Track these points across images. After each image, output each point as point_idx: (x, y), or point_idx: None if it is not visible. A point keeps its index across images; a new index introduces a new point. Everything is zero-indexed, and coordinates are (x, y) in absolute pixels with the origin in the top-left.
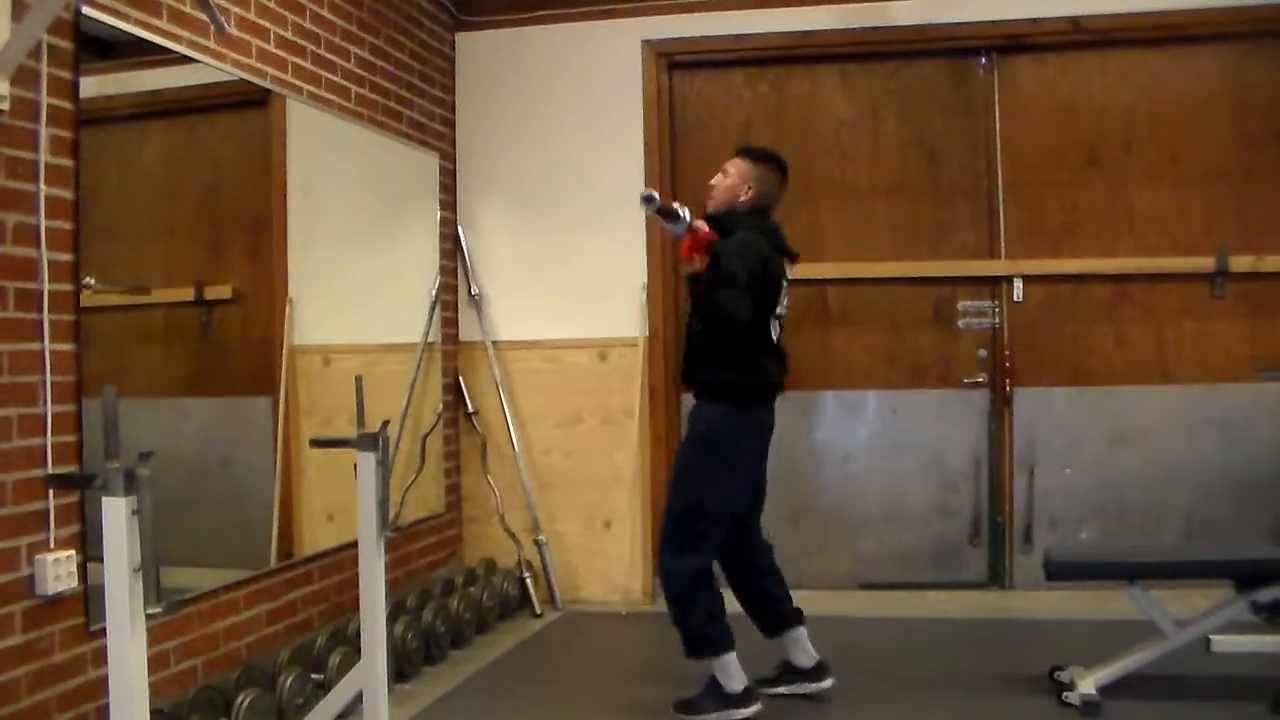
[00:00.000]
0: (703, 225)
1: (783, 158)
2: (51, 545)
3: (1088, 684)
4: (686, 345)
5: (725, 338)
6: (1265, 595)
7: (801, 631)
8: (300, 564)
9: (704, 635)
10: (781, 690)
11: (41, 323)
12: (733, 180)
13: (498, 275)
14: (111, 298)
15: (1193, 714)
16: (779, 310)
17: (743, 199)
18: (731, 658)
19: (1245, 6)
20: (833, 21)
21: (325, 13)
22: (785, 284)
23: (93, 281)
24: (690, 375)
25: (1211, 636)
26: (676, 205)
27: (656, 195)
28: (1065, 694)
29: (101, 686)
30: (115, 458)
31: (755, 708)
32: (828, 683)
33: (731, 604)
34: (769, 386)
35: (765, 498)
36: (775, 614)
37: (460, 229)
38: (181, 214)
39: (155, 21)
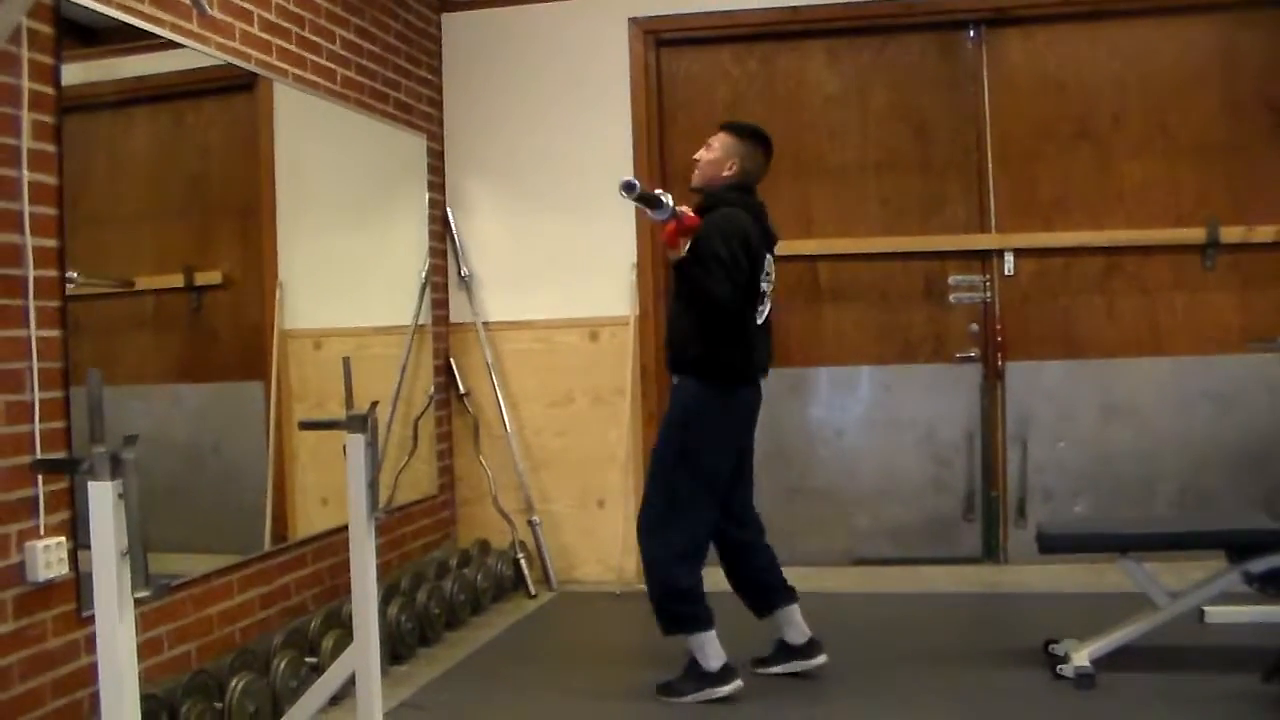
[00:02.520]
0: (687, 211)
1: (767, 134)
2: (42, 532)
3: (1082, 656)
4: (668, 330)
5: (715, 320)
6: (1258, 565)
7: (794, 610)
8: (293, 548)
9: (677, 613)
10: (776, 669)
11: (27, 309)
12: (717, 155)
13: (488, 256)
14: (101, 286)
15: (1187, 685)
16: (763, 288)
17: (726, 174)
18: (709, 636)
19: None
20: None
21: None
22: (769, 261)
23: (77, 276)
24: (674, 360)
25: (1205, 607)
26: (659, 192)
27: (637, 183)
28: (1060, 667)
29: (94, 673)
30: (101, 442)
31: (734, 684)
32: (821, 659)
33: (716, 585)
34: (751, 367)
35: (752, 476)
36: (765, 593)
37: (449, 210)
38: (170, 200)
39: (137, 5)
